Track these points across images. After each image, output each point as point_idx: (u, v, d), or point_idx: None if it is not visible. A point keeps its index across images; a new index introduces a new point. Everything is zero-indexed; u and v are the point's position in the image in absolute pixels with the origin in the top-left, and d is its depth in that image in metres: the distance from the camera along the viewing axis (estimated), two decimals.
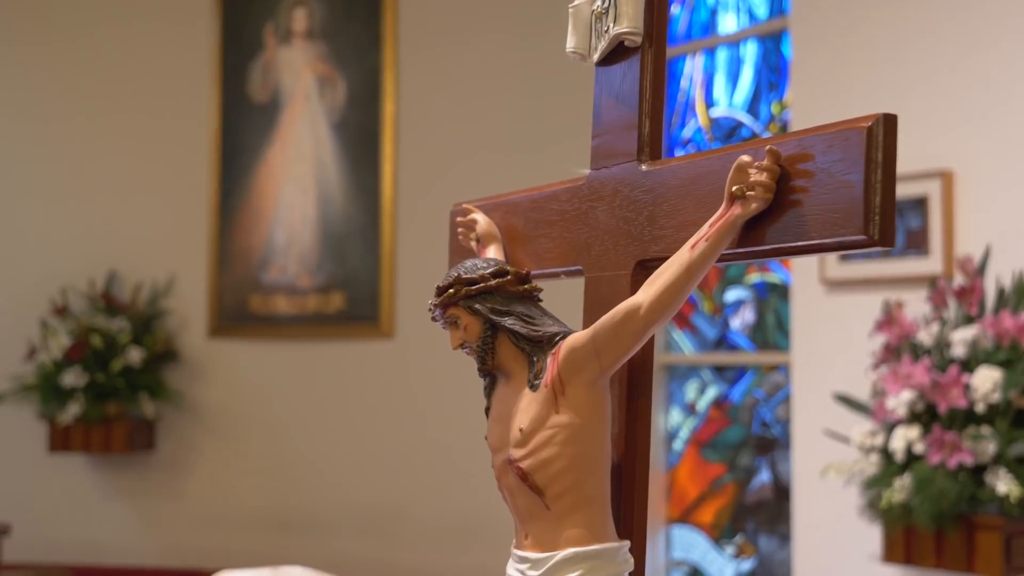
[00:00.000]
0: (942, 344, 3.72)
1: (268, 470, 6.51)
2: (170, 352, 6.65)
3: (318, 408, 6.42)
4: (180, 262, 6.76)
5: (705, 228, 1.66)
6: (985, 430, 3.54)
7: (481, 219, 2.19)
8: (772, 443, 5.27)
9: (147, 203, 6.84)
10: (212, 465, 6.64)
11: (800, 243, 1.57)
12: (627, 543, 1.78)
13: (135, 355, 6.41)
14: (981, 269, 3.76)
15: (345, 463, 6.33)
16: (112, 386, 6.40)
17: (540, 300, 1.87)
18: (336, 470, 6.35)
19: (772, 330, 5.31)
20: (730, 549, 5.38)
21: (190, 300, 6.73)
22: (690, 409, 5.58)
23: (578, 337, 1.76)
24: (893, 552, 3.81)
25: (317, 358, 6.46)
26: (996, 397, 3.51)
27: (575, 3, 1.97)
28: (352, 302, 6.36)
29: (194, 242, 6.74)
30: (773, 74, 5.34)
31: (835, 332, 4.44)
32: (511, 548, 1.85)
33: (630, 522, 1.83)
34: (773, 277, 5.32)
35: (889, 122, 1.50)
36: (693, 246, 1.66)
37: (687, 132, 5.68)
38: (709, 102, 5.61)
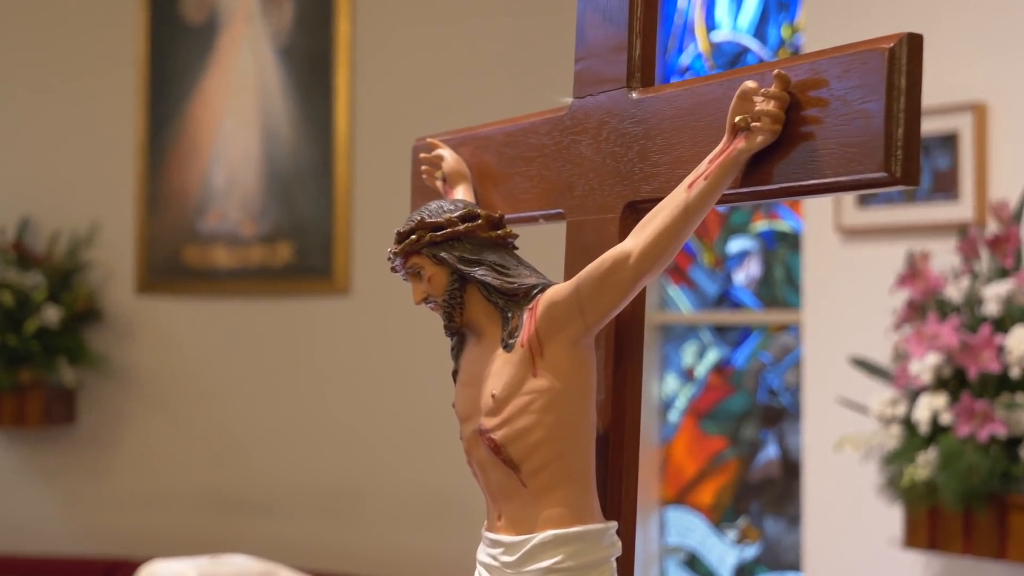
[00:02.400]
0: (973, 301, 3.73)
1: (207, 444, 6.51)
2: (93, 311, 6.63)
3: (264, 374, 6.41)
4: (103, 208, 6.72)
5: (704, 165, 1.66)
6: (1020, 398, 3.56)
7: (448, 155, 2.19)
8: (780, 413, 5.30)
9: (65, 140, 6.78)
10: (142, 439, 6.63)
11: (812, 181, 1.58)
12: (614, 525, 1.79)
13: (52, 314, 6.38)
14: (1018, 215, 3.78)
15: (295, 436, 6.33)
16: (26, 350, 6.37)
17: (515, 248, 1.87)
18: (285, 444, 6.35)
19: (781, 285, 5.32)
20: (732, 533, 5.42)
21: (115, 251, 6.69)
22: (687, 375, 5.60)
23: (559, 290, 1.76)
24: (916, 536, 3.84)
25: (262, 317, 6.45)
26: None
27: None
28: (302, 253, 6.34)
29: (119, 185, 6.69)
30: None
31: (852, 287, 4.45)
32: (482, 530, 1.85)
33: (618, 502, 1.84)
34: (782, 225, 5.33)
35: (914, 43, 1.50)
36: (690, 185, 1.66)
37: (685, 59, 5.67)
38: (710, 24, 5.59)
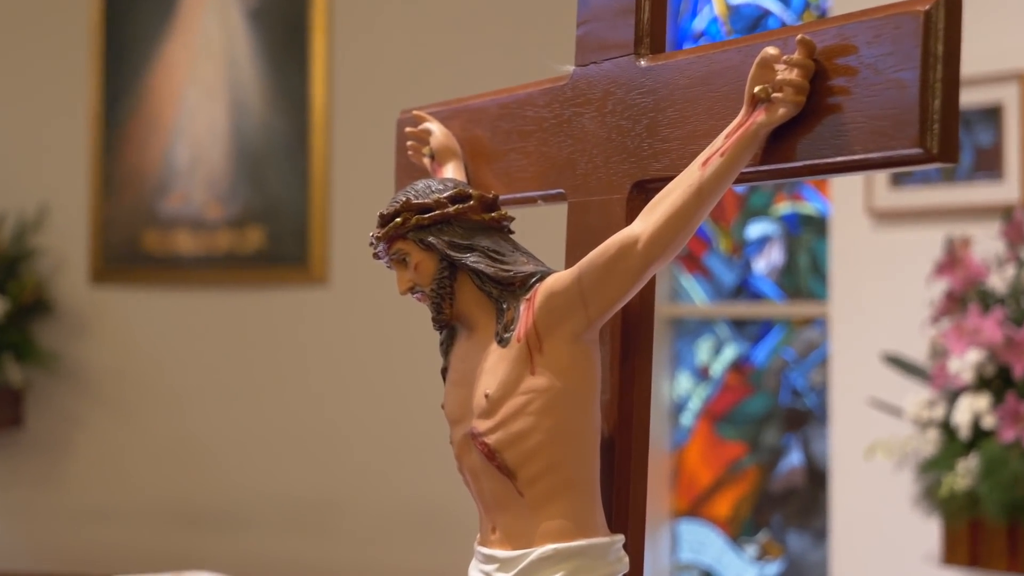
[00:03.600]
0: (1018, 291, 3.74)
1: (169, 450, 6.51)
2: (42, 302, 6.63)
3: (232, 373, 6.42)
4: (53, 188, 6.71)
5: (720, 140, 1.66)
6: None
7: (436, 130, 2.19)
8: (804, 416, 5.31)
9: (9, 114, 6.77)
10: (98, 445, 6.63)
11: (839, 158, 1.58)
12: (620, 539, 1.80)
13: None
14: None
15: (267, 441, 6.34)
16: None
17: (511, 232, 1.87)
18: (256, 450, 6.36)
19: (805, 274, 5.33)
20: (751, 549, 5.43)
21: (67, 236, 6.69)
22: (702, 374, 5.61)
23: (559, 278, 1.76)
24: (955, 552, 3.84)
25: (230, 309, 6.45)
26: None
27: None
28: (274, 238, 6.34)
29: (71, 163, 6.69)
30: None
31: (884, 276, 4.46)
32: (475, 545, 1.86)
33: (624, 513, 1.85)
34: (807, 207, 5.34)
35: (952, 5, 1.51)
36: (705, 163, 1.66)
37: (699, 23, 5.67)
38: None
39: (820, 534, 5.12)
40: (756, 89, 1.63)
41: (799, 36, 1.61)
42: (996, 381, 3.70)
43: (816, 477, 5.21)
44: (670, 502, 5.60)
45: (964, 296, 3.82)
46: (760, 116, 1.63)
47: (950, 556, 3.87)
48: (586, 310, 1.73)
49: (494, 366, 1.78)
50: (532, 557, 1.75)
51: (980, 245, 3.92)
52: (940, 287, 3.97)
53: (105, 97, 6.64)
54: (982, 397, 3.67)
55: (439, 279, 1.82)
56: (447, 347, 1.90)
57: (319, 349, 6.26)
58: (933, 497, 3.79)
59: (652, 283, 1.80)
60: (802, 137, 1.62)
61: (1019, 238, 3.79)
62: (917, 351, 4.04)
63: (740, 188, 5.03)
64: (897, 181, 4.36)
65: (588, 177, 1.91)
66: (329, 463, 6.20)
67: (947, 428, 3.78)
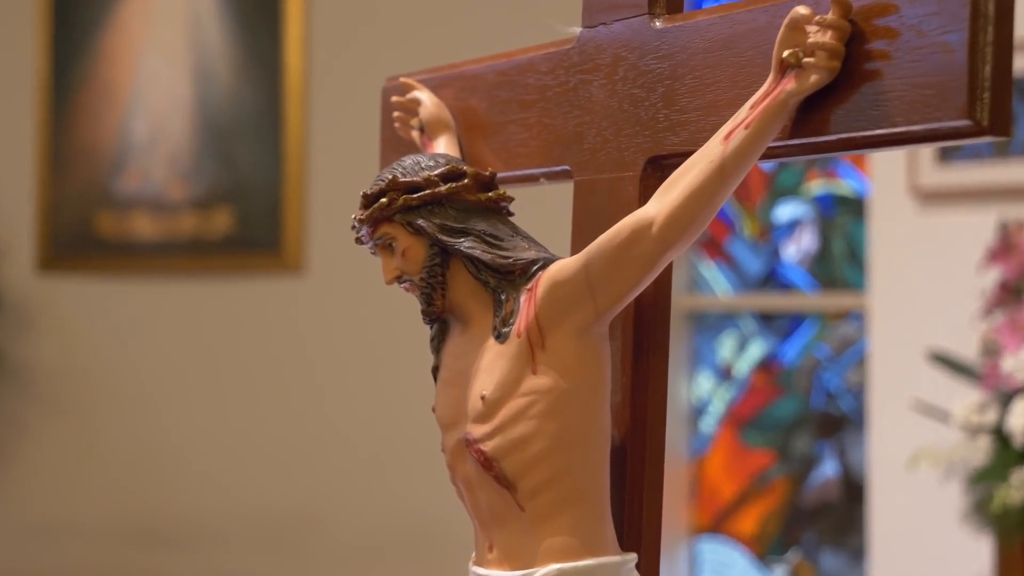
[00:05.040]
0: None
1: (127, 459, 6.52)
2: None
3: (197, 372, 6.42)
4: None
5: (744, 111, 1.67)
6: None
7: (426, 99, 2.19)
8: (840, 422, 5.31)
9: None
10: (47, 452, 6.64)
11: (878, 131, 1.58)
12: (633, 557, 1.80)
13: None
14: None
15: (236, 449, 6.34)
16: None
17: (510, 213, 1.88)
18: (225, 458, 6.36)
19: (841, 262, 5.33)
20: (780, 570, 5.44)
21: (10, 220, 6.69)
22: (725, 373, 5.61)
23: (564, 266, 1.76)
24: (1009, 571, 3.85)
25: (195, 301, 6.45)
26: None
27: None
28: (244, 221, 6.34)
29: (14, 137, 6.69)
30: None
31: (930, 264, 4.46)
32: (469, 564, 1.86)
33: (637, 529, 1.85)
34: (843, 186, 5.34)
35: None
36: (727, 136, 1.67)
37: None
38: None
39: (857, 553, 5.13)
40: (785, 54, 1.63)
41: None
42: None
43: (853, 490, 5.22)
44: (688, 517, 5.61)
45: (1019, 286, 3.82)
46: (789, 84, 1.63)
47: None
48: (594, 301, 1.73)
49: (491, 364, 1.79)
50: None
51: None
52: (992, 276, 3.97)
53: (53, 63, 6.64)
54: None
55: (429, 267, 1.82)
56: (438, 343, 1.90)
57: (294, 345, 6.26)
58: (984, 512, 3.79)
59: (668, 271, 1.80)
60: (837, 107, 1.62)
61: None
62: (966, 348, 4.04)
63: (767, 165, 5.03)
64: (944, 157, 4.36)
65: (597, 152, 1.92)
66: (306, 472, 6.21)
67: (1000, 435, 3.79)
